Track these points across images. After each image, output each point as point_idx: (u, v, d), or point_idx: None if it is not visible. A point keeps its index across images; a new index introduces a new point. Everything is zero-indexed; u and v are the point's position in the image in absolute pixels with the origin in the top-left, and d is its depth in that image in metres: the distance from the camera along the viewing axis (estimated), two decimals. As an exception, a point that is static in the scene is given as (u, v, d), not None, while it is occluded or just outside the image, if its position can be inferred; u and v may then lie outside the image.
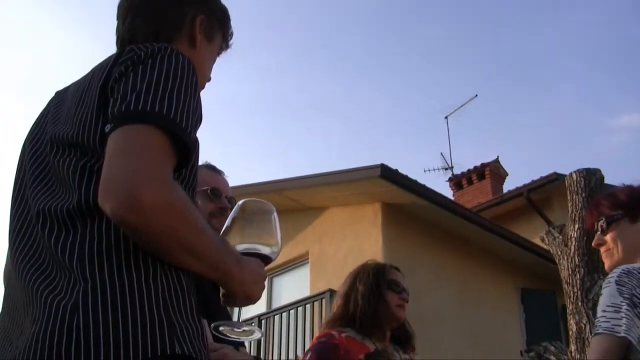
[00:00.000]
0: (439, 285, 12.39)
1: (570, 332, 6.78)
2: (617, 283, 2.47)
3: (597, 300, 6.54)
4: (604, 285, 2.54)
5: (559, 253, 7.05)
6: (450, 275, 12.82)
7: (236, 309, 1.86)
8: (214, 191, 2.76)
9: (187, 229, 1.47)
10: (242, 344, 2.62)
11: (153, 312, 1.43)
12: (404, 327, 3.52)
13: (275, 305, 13.69)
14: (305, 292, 12.43)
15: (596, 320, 2.48)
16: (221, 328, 1.79)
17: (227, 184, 2.90)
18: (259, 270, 1.72)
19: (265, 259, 1.80)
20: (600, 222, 2.80)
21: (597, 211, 2.85)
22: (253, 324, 12.06)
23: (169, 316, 1.45)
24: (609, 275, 2.54)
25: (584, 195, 6.89)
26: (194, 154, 1.64)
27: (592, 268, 6.75)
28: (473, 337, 12.55)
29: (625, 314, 2.38)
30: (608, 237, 2.78)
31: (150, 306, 1.43)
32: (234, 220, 1.81)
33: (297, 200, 13.32)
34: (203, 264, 1.54)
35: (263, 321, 13.08)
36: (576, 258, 6.83)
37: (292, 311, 12.49)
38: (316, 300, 11.44)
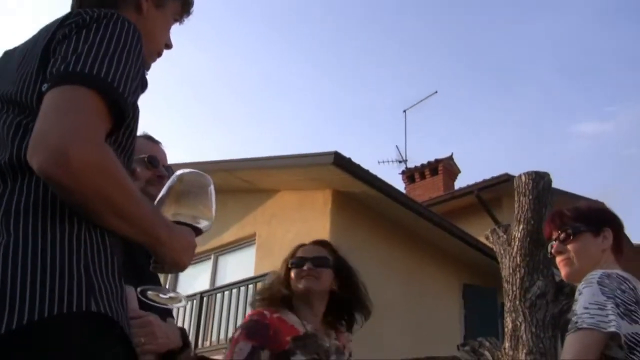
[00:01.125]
0: (385, 276, 12.47)
1: (506, 329, 6.87)
2: (600, 283, 2.53)
3: (535, 301, 6.65)
4: (582, 287, 2.58)
5: (502, 252, 7.14)
6: (396, 266, 12.92)
7: (167, 276, 1.87)
8: (151, 159, 2.75)
9: (115, 190, 1.47)
10: (170, 314, 2.62)
11: (72, 269, 1.43)
12: (340, 302, 3.49)
13: (218, 283, 13.70)
14: (250, 273, 12.46)
15: (575, 317, 2.51)
16: (148, 293, 1.80)
17: (164, 153, 2.90)
18: (189, 238, 1.73)
19: (197, 230, 1.81)
20: (566, 231, 2.88)
21: (560, 220, 2.93)
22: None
23: (88, 275, 1.45)
24: (588, 277, 2.60)
25: (531, 197, 6.97)
26: (133, 120, 1.65)
27: (532, 269, 6.84)
28: (414, 329, 12.68)
29: (612, 311, 2.43)
30: (570, 247, 2.87)
31: (71, 264, 1.43)
32: (170, 189, 1.81)
33: (249, 181, 13.31)
34: (131, 227, 1.54)
35: (205, 298, 13.10)
36: (518, 258, 6.91)
37: (234, 290, 12.52)
38: (260, 281, 11.43)
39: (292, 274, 3.44)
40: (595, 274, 2.60)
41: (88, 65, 1.51)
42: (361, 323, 3.60)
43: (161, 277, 1.96)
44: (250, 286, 12.01)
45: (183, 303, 1.86)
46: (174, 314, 2.79)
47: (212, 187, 1.87)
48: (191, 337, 12.19)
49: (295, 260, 3.47)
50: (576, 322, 2.49)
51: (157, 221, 1.61)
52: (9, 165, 1.52)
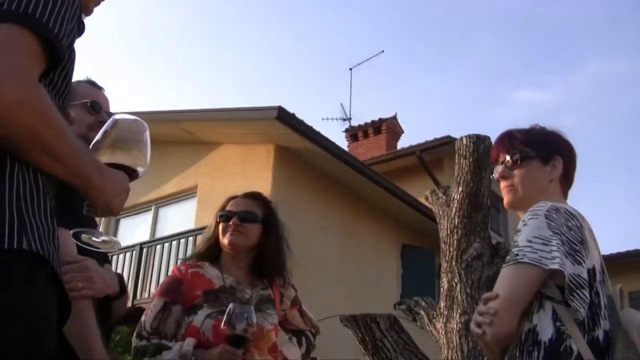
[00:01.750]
0: (323, 233, 12.56)
1: (442, 290, 6.97)
2: (547, 217, 2.36)
3: (471, 262, 6.76)
4: (527, 217, 2.41)
5: (441, 213, 7.20)
6: (335, 223, 13.01)
7: (107, 226, 1.87)
8: (93, 104, 2.72)
9: (47, 130, 1.47)
10: (107, 261, 2.61)
11: (4, 207, 1.43)
12: (262, 255, 3.49)
13: (158, 234, 13.65)
14: (191, 225, 12.43)
15: (516, 249, 2.34)
16: (81, 236, 1.80)
17: (107, 99, 2.86)
18: (122, 182, 1.74)
19: (132, 175, 1.82)
20: (513, 156, 2.68)
21: (509, 143, 2.73)
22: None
23: (20, 213, 1.45)
24: (536, 208, 2.42)
25: (471, 160, 7.02)
26: (69, 62, 1.63)
27: (470, 231, 6.92)
28: (351, 287, 12.81)
29: (557, 248, 2.26)
30: (516, 173, 2.67)
31: (2, 201, 1.43)
32: (105, 133, 1.82)
33: (192, 132, 13.23)
34: (63, 168, 1.54)
35: (145, 249, 13.06)
36: (456, 219, 6.98)
37: (174, 242, 12.50)
38: (200, 233, 11.42)
39: (220, 227, 3.47)
40: (543, 206, 2.42)
41: (23, 4, 1.48)
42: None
43: (101, 227, 1.95)
44: (190, 238, 12.00)
45: (116, 247, 1.87)
46: (113, 264, 2.78)
47: (147, 134, 1.87)
48: (130, 288, 12.15)
49: (224, 214, 3.50)
50: (516, 255, 2.33)
51: (89, 163, 1.62)
52: None
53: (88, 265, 2.36)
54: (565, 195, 2.71)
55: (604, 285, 2.40)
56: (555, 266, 2.23)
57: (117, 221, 14.41)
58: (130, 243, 12.72)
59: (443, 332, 6.76)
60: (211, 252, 3.45)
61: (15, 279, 1.41)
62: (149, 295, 12.23)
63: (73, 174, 1.58)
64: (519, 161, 2.68)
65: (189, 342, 3.13)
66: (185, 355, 3.09)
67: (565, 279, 2.22)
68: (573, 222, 2.39)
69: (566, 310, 2.24)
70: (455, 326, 6.64)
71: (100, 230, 1.86)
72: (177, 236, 12.58)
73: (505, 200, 2.75)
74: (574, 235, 2.34)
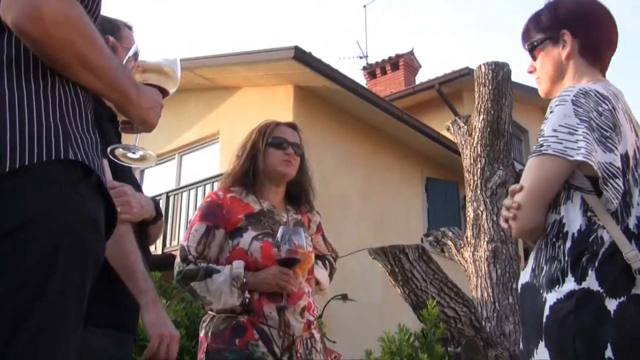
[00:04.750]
0: (347, 171, 12.59)
1: (468, 219, 7.02)
2: (574, 103, 2.21)
3: (495, 190, 6.78)
4: (554, 103, 2.27)
5: (463, 142, 7.22)
6: (358, 161, 13.03)
7: (133, 137, 1.92)
8: (136, 54, 2.77)
9: (86, 44, 1.53)
10: (141, 189, 2.67)
11: (50, 120, 1.49)
12: (298, 184, 3.57)
13: (183, 182, 13.74)
14: (215, 171, 12.49)
15: (542, 139, 2.23)
16: (117, 151, 1.86)
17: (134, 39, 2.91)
18: (155, 97, 1.81)
19: (163, 91, 1.88)
20: (528, 48, 2.58)
21: (526, 36, 2.61)
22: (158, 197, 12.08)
23: (64, 126, 1.51)
24: (563, 93, 2.28)
25: (490, 87, 7.02)
26: None
27: (493, 158, 6.95)
28: (376, 222, 12.87)
29: (584, 137, 2.13)
30: (537, 64, 2.56)
31: (47, 115, 1.49)
32: (136, 54, 1.89)
33: (210, 78, 13.21)
34: (101, 82, 1.60)
35: (171, 197, 13.16)
36: (478, 148, 7.01)
37: (199, 189, 12.58)
38: (224, 179, 11.48)
39: (270, 152, 3.46)
40: (571, 90, 2.27)
41: None
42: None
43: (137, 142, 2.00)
44: (215, 184, 12.05)
45: (152, 163, 1.93)
46: None
47: (177, 57, 1.95)
48: (160, 237, 12.27)
49: (276, 141, 3.49)
50: (541, 145, 2.22)
51: (125, 78, 1.67)
52: None
53: (126, 190, 2.43)
54: (598, 67, 2.49)
55: None
56: (580, 157, 2.11)
57: (142, 172, 14.50)
58: (156, 192, 12.81)
59: (471, 261, 6.83)
60: (247, 174, 3.45)
61: (63, 187, 1.47)
62: (177, 242, 12.35)
63: (111, 88, 1.64)
64: (533, 51, 2.57)
65: (239, 265, 3.20)
66: (238, 277, 3.16)
67: (593, 168, 2.11)
68: (604, 105, 2.23)
69: (598, 200, 2.16)
70: (483, 254, 6.71)
71: (135, 145, 1.90)
72: (202, 182, 12.66)
73: (540, 93, 2.61)
74: (605, 120, 2.19)
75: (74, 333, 1.50)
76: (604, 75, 2.52)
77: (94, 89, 1.62)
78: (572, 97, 2.24)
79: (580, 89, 2.26)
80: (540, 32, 2.55)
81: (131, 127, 1.84)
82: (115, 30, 2.65)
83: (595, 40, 2.49)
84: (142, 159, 1.90)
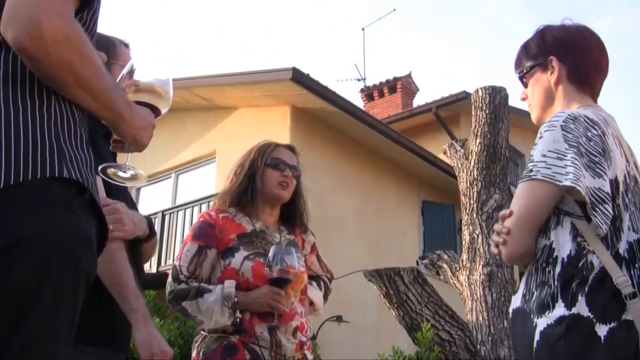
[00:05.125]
0: (343, 193, 12.59)
1: (464, 242, 7.01)
2: (563, 128, 2.22)
3: (491, 214, 6.77)
4: (544, 129, 2.28)
5: (459, 166, 7.22)
6: (354, 183, 13.03)
7: (125, 155, 1.93)
8: (131, 71, 2.78)
9: (83, 63, 1.54)
10: (135, 207, 2.67)
11: (45, 138, 1.50)
12: (293, 205, 3.57)
13: (179, 201, 13.73)
14: (211, 191, 12.49)
15: (531, 164, 2.24)
16: (108, 170, 1.88)
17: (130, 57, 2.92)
18: (148, 117, 1.82)
19: (156, 111, 1.90)
20: (520, 76, 2.61)
21: (517, 65, 2.65)
22: (154, 217, 12.07)
23: (59, 144, 1.53)
24: (552, 119, 2.29)
25: (487, 111, 7.03)
26: (97, 1, 1.71)
27: (489, 182, 6.95)
28: (372, 245, 12.86)
29: (573, 162, 2.14)
30: (528, 91, 2.59)
31: (42, 133, 1.50)
32: (130, 73, 1.91)
33: (207, 98, 13.24)
34: (95, 102, 1.62)
35: (167, 216, 13.15)
36: (475, 172, 7.01)
37: (195, 208, 12.57)
38: (220, 198, 11.47)
39: (268, 173, 3.47)
40: (560, 115, 2.28)
41: None
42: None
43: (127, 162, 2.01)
44: (211, 204, 12.04)
45: (143, 182, 1.95)
46: None
47: (170, 77, 1.96)
48: (154, 256, 12.25)
49: (275, 162, 3.50)
50: (530, 171, 2.22)
51: (119, 98, 1.69)
52: None
53: (118, 207, 2.43)
54: (588, 93, 2.51)
55: (635, 194, 2.30)
56: (569, 182, 2.12)
57: (138, 190, 14.51)
58: (152, 211, 12.80)
59: (467, 284, 6.81)
60: (245, 194, 3.45)
61: (57, 204, 1.48)
62: (172, 261, 12.32)
63: (105, 107, 1.65)
64: (524, 79, 2.60)
65: (230, 284, 3.20)
66: (229, 296, 3.16)
67: (582, 194, 2.12)
68: (594, 130, 2.24)
69: (587, 225, 2.16)
70: (478, 278, 6.69)
71: (126, 164, 1.91)
72: (198, 202, 12.65)
73: (532, 119, 2.61)
74: (594, 145, 2.20)
75: (65, 348, 1.51)
76: (595, 100, 2.53)
77: (88, 107, 1.64)
78: (561, 122, 2.25)
79: (569, 115, 2.27)
80: (530, 59, 2.58)
81: (122, 146, 1.86)
82: (111, 48, 2.66)
83: (583, 66, 2.50)
84: (133, 178, 1.92)
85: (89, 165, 1.61)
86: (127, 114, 1.70)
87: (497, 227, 2.31)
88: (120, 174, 1.89)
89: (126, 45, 2.83)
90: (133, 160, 1.95)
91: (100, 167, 1.86)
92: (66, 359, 1.52)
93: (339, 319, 10.80)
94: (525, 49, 2.62)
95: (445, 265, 7.21)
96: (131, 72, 1.90)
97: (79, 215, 1.52)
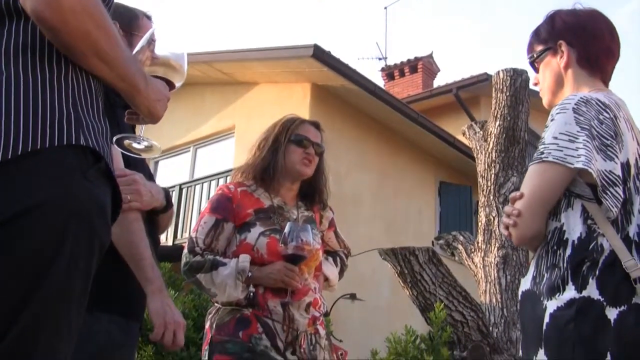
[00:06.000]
0: (361, 171, 12.58)
1: (480, 224, 7.01)
2: (575, 111, 2.22)
3: (508, 197, 6.77)
4: (555, 112, 2.28)
5: (478, 148, 7.22)
6: (372, 161, 13.01)
7: (140, 127, 1.95)
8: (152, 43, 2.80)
9: (101, 34, 1.56)
10: (152, 178, 2.69)
11: (62, 106, 1.52)
12: (313, 182, 3.57)
13: (197, 175, 13.76)
14: (229, 165, 12.51)
15: (542, 146, 2.24)
16: (124, 141, 1.90)
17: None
18: (163, 90, 1.84)
19: (170, 85, 1.91)
20: (531, 61, 2.61)
21: (529, 50, 2.65)
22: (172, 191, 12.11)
23: (77, 112, 1.55)
24: (564, 101, 2.29)
25: (508, 94, 7.01)
26: None
27: (507, 165, 6.95)
28: (388, 224, 12.85)
29: (584, 145, 2.14)
30: (539, 76, 2.60)
31: (60, 101, 1.52)
32: (145, 47, 1.93)
33: (228, 73, 13.22)
34: (112, 72, 1.63)
35: (184, 189, 13.20)
36: (493, 154, 7.01)
37: (213, 182, 12.61)
38: (238, 173, 11.47)
39: (291, 149, 3.47)
40: (572, 98, 2.28)
41: None
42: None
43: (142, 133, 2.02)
44: (229, 178, 12.05)
45: (157, 153, 1.97)
46: None
47: (185, 52, 1.98)
48: (170, 229, 12.33)
49: (298, 138, 3.49)
50: (542, 153, 2.22)
51: (135, 70, 1.71)
52: (5, 8, 1.57)
53: (136, 178, 2.44)
54: (599, 77, 2.50)
55: None
56: (580, 165, 2.12)
57: (156, 163, 14.55)
58: (169, 184, 12.84)
59: (481, 266, 6.82)
60: (268, 169, 3.44)
61: (73, 172, 1.50)
62: (188, 234, 12.34)
63: (121, 78, 1.66)
64: (535, 64, 2.60)
65: (245, 259, 3.22)
66: (243, 270, 3.18)
67: (593, 176, 2.12)
68: (605, 113, 2.24)
69: (598, 208, 2.16)
70: (493, 260, 6.70)
71: (141, 135, 1.93)
72: (216, 176, 12.69)
73: (544, 104, 2.60)
74: (605, 128, 2.20)
75: (78, 311, 1.53)
76: (606, 85, 2.53)
77: (105, 78, 1.65)
78: (573, 105, 2.25)
79: (581, 98, 2.27)
80: (540, 44, 2.58)
81: (137, 118, 1.87)
82: (133, 19, 2.67)
83: (593, 51, 2.49)
84: (148, 149, 1.93)
85: (105, 135, 1.63)
86: (143, 86, 1.72)
87: (507, 209, 2.31)
88: (135, 145, 1.91)
89: (149, 17, 2.83)
90: (152, 134, 1.97)
91: (115, 138, 1.88)
92: (79, 324, 1.54)
93: (352, 296, 10.82)
94: (536, 34, 2.62)
95: (460, 247, 7.23)
96: (150, 43, 1.92)
97: (94, 183, 1.54)
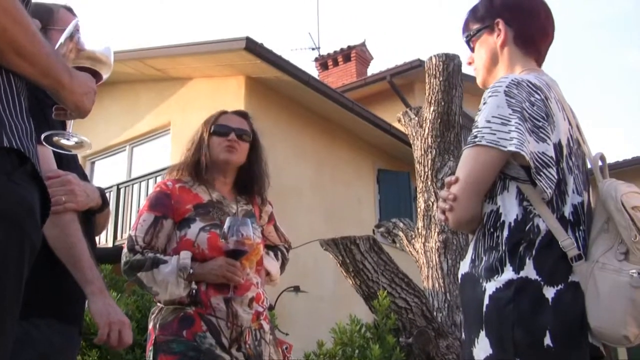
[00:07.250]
0: (298, 161, 12.59)
1: (419, 210, 7.06)
2: (506, 94, 2.22)
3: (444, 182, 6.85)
4: (487, 95, 2.28)
5: (414, 134, 7.26)
6: (309, 152, 13.03)
7: (69, 123, 1.91)
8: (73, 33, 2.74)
9: (19, 30, 1.50)
10: (86, 178, 2.64)
11: None
12: (249, 171, 3.55)
13: (134, 174, 13.63)
14: (166, 163, 12.40)
15: (475, 130, 2.24)
16: (53, 138, 1.86)
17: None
18: (89, 83, 1.79)
19: (97, 76, 1.88)
20: (466, 39, 2.60)
21: (464, 29, 2.64)
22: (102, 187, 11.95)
23: None
24: (495, 84, 2.29)
25: (441, 79, 7.06)
26: None
27: (444, 150, 7.00)
28: (328, 214, 12.89)
29: (517, 127, 2.15)
30: (474, 55, 2.59)
31: None
32: (69, 38, 1.88)
33: (161, 69, 13.10)
34: (33, 69, 1.58)
35: (122, 189, 13.07)
36: (429, 139, 7.05)
37: (151, 180, 12.51)
38: (176, 170, 11.39)
39: (213, 141, 3.46)
40: (504, 80, 2.29)
41: None
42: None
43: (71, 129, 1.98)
44: (165, 176, 11.97)
45: (87, 149, 1.93)
46: None
47: (110, 46, 1.95)
48: (109, 229, 12.19)
49: (219, 128, 3.48)
50: (475, 137, 2.23)
51: (57, 64, 1.66)
52: None
53: (70, 179, 2.39)
54: (533, 57, 2.52)
55: (578, 157, 2.33)
56: (513, 148, 2.13)
57: (92, 163, 14.38)
58: (106, 184, 12.68)
59: (422, 252, 6.87)
60: (198, 165, 3.43)
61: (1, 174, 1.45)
62: (128, 233, 12.22)
63: (43, 74, 1.61)
64: (471, 42, 2.59)
65: (186, 255, 3.19)
66: (185, 267, 3.16)
67: (526, 159, 2.14)
68: (537, 95, 2.25)
69: (533, 189, 2.18)
70: (434, 245, 6.75)
71: (70, 131, 1.89)
72: (153, 174, 12.57)
73: (478, 83, 2.62)
74: (537, 110, 2.22)
75: (11, 318, 1.49)
76: (540, 65, 2.55)
77: (27, 75, 1.60)
78: (504, 88, 2.25)
79: (512, 80, 2.28)
80: (477, 22, 2.58)
81: (65, 113, 1.83)
82: (48, 14, 2.60)
83: (529, 30, 2.50)
84: (78, 145, 1.90)
85: (30, 135, 1.58)
86: (67, 80, 1.67)
87: (443, 193, 2.32)
88: (64, 141, 1.87)
89: (68, 9, 2.77)
90: (87, 134, 1.93)
91: (43, 135, 1.84)
92: (13, 330, 1.50)
93: (296, 289, 10.84)
94: (473, 12, 2.61)
95: (401, 233, 7.26)
96: (72, 35, 1.87)
97: (20, 185, 1.50)
